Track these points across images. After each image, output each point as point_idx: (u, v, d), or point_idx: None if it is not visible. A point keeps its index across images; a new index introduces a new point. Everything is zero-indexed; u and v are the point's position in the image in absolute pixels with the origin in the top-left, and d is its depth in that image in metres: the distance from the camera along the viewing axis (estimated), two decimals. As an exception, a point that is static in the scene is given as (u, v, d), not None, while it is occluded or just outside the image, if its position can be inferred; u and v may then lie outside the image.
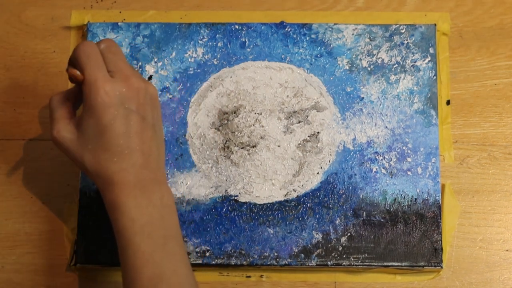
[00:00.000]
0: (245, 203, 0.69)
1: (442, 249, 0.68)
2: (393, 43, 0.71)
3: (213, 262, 0.68)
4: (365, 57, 0.71)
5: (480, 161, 0.71)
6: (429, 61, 0.71)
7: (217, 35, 0.72)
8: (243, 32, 0.72)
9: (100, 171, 0.59)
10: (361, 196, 0.69)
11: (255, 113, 0.71)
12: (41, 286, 0.70)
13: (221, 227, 0.68)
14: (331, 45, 0.72)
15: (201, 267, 0.68)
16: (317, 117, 0.70)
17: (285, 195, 0.69)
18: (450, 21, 0.73)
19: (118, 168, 0.58)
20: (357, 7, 0.74)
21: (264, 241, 0.68)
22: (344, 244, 0.68)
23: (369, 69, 0.71)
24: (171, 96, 0.71)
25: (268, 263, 0.68)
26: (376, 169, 0.69)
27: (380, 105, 0.70)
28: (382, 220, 0.68)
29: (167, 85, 0.71)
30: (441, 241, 0.68)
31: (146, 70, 0.71)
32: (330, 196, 0.69)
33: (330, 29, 0.72)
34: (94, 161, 0.59)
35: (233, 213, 0.69)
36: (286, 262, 0.68)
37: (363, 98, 0.71)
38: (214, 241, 0.68)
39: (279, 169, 0.70)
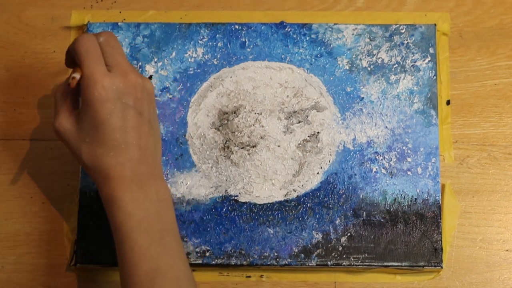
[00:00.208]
0: (245, 203, 0.69)
1: (442, 249, 0.68)
2: (393, 43, 0.71)
3: (213, 262, 0.68)
4: (365, 57, 0.71)
5: (480, 161, 0.71)
6: (429, 61, 0.71)
7: (217, 35, 0.72)
8: (243, 32, 0.72)
9: (96, 165, 0.59)
10: (361, 196, 0.69)
11: (255, 113, 0.71)
12: (41, 286, 0.70)
13: (221, 227, 0.68)
14: (331, 45, 0.72)
15: (201, 267, 0.68)
16: (317, 117, 0.70)
17: (285, 195, 0.69)
18: (450, 21, 0.73)
19: (114, 163, 0.59)
20: (357, 7, 0.74)
21: (264, 241, 0.68)
22: (344, 244, 0.68)
23: (369, 69, 0.71)
24: (171, 96, 0.71)
25: (268, 263, 0.68)
26: (376, 169, 0.69)
27: (380, 105, 0.70)
28: (382, 220, 0.68)
29: (167, 85, 0.71)
30: (441, 241, 0.68)
31: (146, 70, 0.71)
32: (330, 196, 0.69)
33: (330, 29, 0.72)
34: (90, 154, 0.59)
35: (233, 213, 0.69)
36: (286, 262, 0.68)
37: (363, 98, 0.71)
38: (214, 241, 0.68)
39: (279, 169, 0.70)
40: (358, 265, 0.68)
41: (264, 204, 0.69)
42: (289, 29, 0.72)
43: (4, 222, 0.70)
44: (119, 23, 0.72)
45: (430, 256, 0.67)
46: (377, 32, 0.72)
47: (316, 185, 0.69)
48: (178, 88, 0.71)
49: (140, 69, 0.71)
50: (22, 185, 0.71)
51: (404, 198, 0.69)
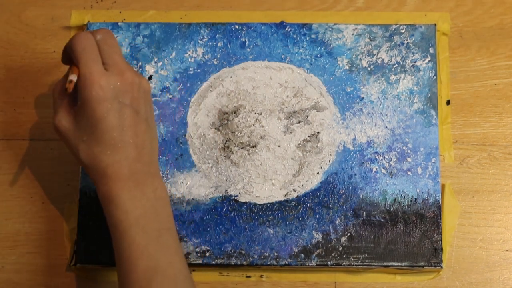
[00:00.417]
0: (245, 203, 0.69)
1: (442, 249, 0.68)
2: (393, 43, 0.71)
3: (213, 262, 0.68)
4: (365, 57, 0.71)
5: (480, 161, 0.71)
6: (429, 61, 0.71)
7: (217, 35, 0.72)
8: (243, 32, 0.72)
9: (93, 163, 0.59)
10: (361, 196, 0.69)
11: (255, 113, 0.71)
12: (41, 286, 0.70)
13: (221, 227, 0.68)
14: (331, 45, 0.72)
15: (201, 267, 0.68)
16: (317, 117, 0.70)
17: (285, 195, 0.69)
18: (450, 21, 0.73)
19: (111, 161, 0.59)
20: (357, 7, 0.74)
21: (264, 241, 0.68)
22: (344, 244, 0.68)
23: (369, 69, 0.71)
24: (171, 96, 0.71)
25: (268, 263, 0.68)
26: (376, 169, 0.69)
27: (380, 105, 0.70)
28: (382, 220, 0.68)
29: (167, 85, 0.71)
30: (441, 241, 0.68)
31: (146, 70, 0.71)
32: (330, 196, 0.69)
33: (330, 29, 0.72)
34: (88, 153, 0.59)
35: (233, 213, 0.69)
36: (286, 262, 0.68)
37: (363, 98, 0.71)
38: (214, 241, 0.68)
39: (279, 169, 0.70)
40: (358, 265, 0.68)
41: (264, 204, 0.69)
42: (289, 29, 0.72)
43: (4, 222, 0.70)
44: (119, 23, 0.72)
45: (430, 256, 0.67)
46: (377, 32, 0.72)
47: (316, 185, 0.69)
48: (178, 88, 0.71)
49: (140, 69, 0.71)
50: (22, 185, 0.71)
51: (404, 198, 0.69)
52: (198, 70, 0.71)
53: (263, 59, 0.72)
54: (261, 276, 0.69)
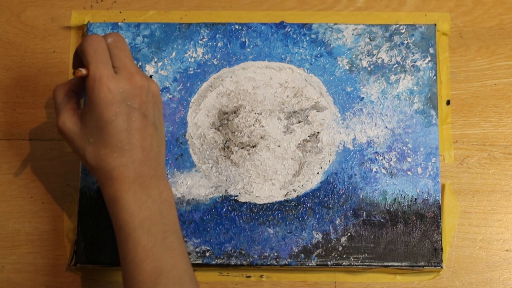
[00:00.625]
0: (245, 203, 0.69)
1: (442, 249, 0.68)
2: (393, 43, 0.71)
3: (213, 262, 0.68)
4: (365, 57, 0.71)
5: (480, 161, 0.71)
6: (429, 61, 0.71)
7: (217, 35, 0.72)
8: (243, 32, 0.72)
9: (100, 165, 0.59)
10: (361, 196, 0.69)
11: (255, 113, 0.71)
12: (41, 286, 0.70)
13: (221, 227, 0.68)
14: (331, 45, 0.72)
15: (201, 267, 0.68)
16: (317, 117, 0.70)
17: (285, 195, 0.69)
18: (450, 21, 0.73)
19: (118, 164, 0.59)
20: (357, 7, 0.74)
21: (264, 241, 0.68)
22: (344, 244, 0.68)
23: (369, 69, 0.71)
24: (171, 96, 0.71)
25: (268, 263, 0.68)
26: (376, 169, 0.69)
27: (380, 105, 0.70)
28: (382, 220, 0.68)
29: (167, 85, 0.71)
30: (441, 241, 0.68)
31: (146, 70, 0.71)
32: (330, 196, 0.69)
33: (330, 29, 0.72)
34: (94, 155, 0.59)
35: (233, 213, 0.69)
36: (286, 262, 0.68)
37: (363, 98, 0.71)
38: (214, 241, 0.68)
39: (279, 169, 0.70)
40: (358, 265, 0.68)
41: (264, 204, 0.69)
42: (289, 29, 0.72)
43: (4, 222, 0.71)
44: (119, 23, 0.72)
45: (430, 256, 0.67)
46: (377, 32, 0.72)
47: (316, 185, 0.69)
48: (178, 88, 0.71)
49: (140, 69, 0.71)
50: (22, 185, 0.71)
51: (404, 198, 0.69)
52: (198, 70, 0.71)
53: (263, 59, 0.72)
54: (261, 276, 0.69)
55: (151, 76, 0.71)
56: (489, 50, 0.73)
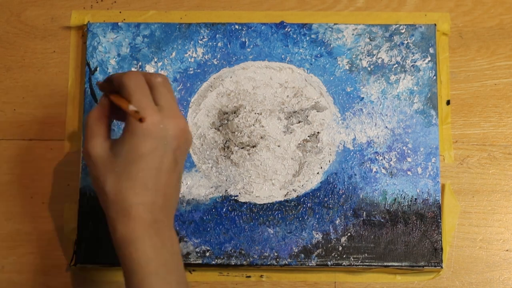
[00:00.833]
0: (245, 203, 0.69)
1: (442, 249, 0.68)
2: (393, 43, 0.71)
3: (213, 262, 0.68)
4: (365, 57, 0.71)
5: (480, 161, 0.71)
6: (429, 61, 0.71)
7: (217, 35, 0.72)
8: (243, 32, 0.72)
9: (118, 198, 0.57)
10: (361, 196, 0.69)
11: (255, 113, 0.71)
12: (41, 286, 0.70)
13: (221, 227, 0.68)
14: (331, 45, 0.72)
15: (201, 267, 0.68)
16: (317, 117, 0.70)
17: (285, 195, 0.69)
18: (450, 21, 0.73)
19: (138, 201, 0.56)
20: (357, 7, 0.74)
21: (264, 241, 0.68)
22: (344, 244, 0.68)
23: (369, 69, 0.71)
24: (171, 96, 0.71)
25: (268, 263, 0.68)
26: (376, 169, 0.69)
27: (380, 105, 0.70)
28: (382, 220, 0.68)
29: (167, 85, 0.71)
30: (441, 241, 0.68)
31: (146, 70, 0.71)
32: (330, 196, 0.69)
33: (330, 29, 0.72)
34: (116, 186, 0.57)
35: (233, 213, 0.69)
36: (286, 262, 0.68)
37: (363, 98, 0.71)
38: (214, 241, 0.68)
39: (279, 169, 0.70)
40: (358, 265, 0.68)
41: (264, 204, 0.69)
42: (289, 29, 0.72)
43: (4, 222, 0.71)
44: (119, 23, 0.72)
45: (430, 256, 0.67)
46: (377, 32, 0.72)
47: (316, 185, 0.69)
48: (178, 88, 0.71)
49: (140, 69, 0.71)
50: (22, 185, 0.71)
51: (404, 198, 0.69)
52: (198, 70, 0.71)
53: (263, 59, 0.72)
54: (261, 276, 0.69)
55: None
56: (489, 50, 0.73)
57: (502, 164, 0.71)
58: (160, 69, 0.71)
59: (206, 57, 0.72)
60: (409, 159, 0.69)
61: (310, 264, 0.68)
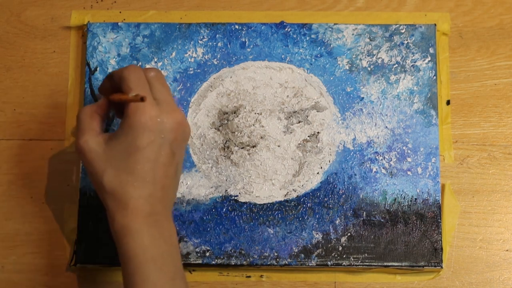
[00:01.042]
0: (245, 203, 0.69)
1: (442, 249, 0.68)
2: (393, 43, 0.71)
3: (213, 262, 0.68)
4: (365, 57, 0.71)
5: (480, 161, 0.71)
6: (429, 61, 0.71)
7: (217, 35, 0.72)
8: (243, 32, 0.72)
9: (117, 191, 0.58)
10: (361, 196, 0.69)
11: (255, 113, 0.71)
12: (41, 286, 0.70)
13: (221, 227, 0.68)
14: (331, 45, 0.72)
15: (201, 267, 0.68)
16: (317, 117, 0.70)
17: (285, 195, 0.69)
18: (450, 21, 0.73)
19: (136, 194, 0.57)
20: (357, 7, 0.74)
21: (264, 241, 0.68)
22: (344, 244, 0.68)
23: (369, 69, 0.71)
24: (171, 96, 0.71)
25: (268, 263, 0.68)
26: (376, 169, 0.69)
27: (380, 105, 0.70)
28: (382, 220, 0.68)
29: (167, 85, 0.71)
30: (441, 241, 0.68)
31: (146, 70, 0.71)
32: (330, 196, 0.69)
33: (330, 29, 0.72)
34: (114, 179, 0.58)
35: (233, 213, 0.69)
36: (286, 262, 0.68)
37: (363, 98, 0.71)
38: (214, 241, 0.68)
39: (279, 169, 0.70)
40: (358, 265, 0.68)
41: (264, 204, 0.69)
42: (289, 29, 0.72)
43: (4, 222, 0.71)
44: (119, 23, 0.72)
45: (430, 256, 0.67)
46: (377, 32, 0.72)
47: (316, 185, 0.69)
48: (178, 88, 0.71)
49: (140, 69, 0.71)
50: (22, 185, 0.71)
51: (404, 198, 0.69)
52: (198, 70, 0.71)
53: (263, 59, 0.72)
54: (261, 276, 0.69)
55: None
56: (489, 50, 0.73)
57: (502, 164, 0.71)
58: (160, 69, 0.71)
59: (206, 57, 0.72)
60: (409, 159, 0.69)
61: (310, 264, 0.68)
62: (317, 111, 0.71)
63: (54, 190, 0.71)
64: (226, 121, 0.70)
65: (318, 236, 0.68)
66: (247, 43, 0.72)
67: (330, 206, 0.69)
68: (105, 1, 0.75)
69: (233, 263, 0.68)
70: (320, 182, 0.69)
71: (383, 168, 0.69)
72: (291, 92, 0.71)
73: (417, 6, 0.74)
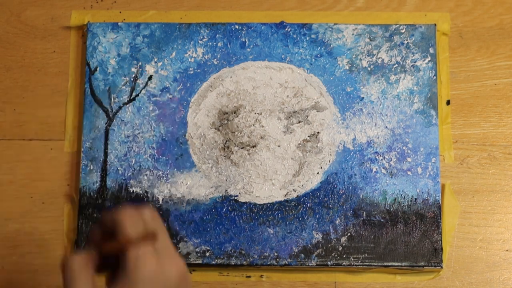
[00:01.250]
0: (245, 203, 0.69)
1: (442, 249, 0.68)
2: (393, 43, 0.71)
3: (213, 262, 0.68)
4: (365, 57, 0.71)
5: (480, 161, 0.71)
6: (429, 61, 0.71)
7: (217, 35, 0.72)
8: (243, 32, 0.72)
9: None
10: (361, 196, 0.69)
11: (255, 113, 0.71)
12: (41, 286, 0.69)
13: (221, 227, 0.68)
14: (331, 45, 0.72)
15: (201, 267, 0.68)
16: (317, 117, 0.70)
17: (285, 195, 0.69)
18: (450, 21, 0.73)
19: None
20: (357, 7, 0.74)
21: (264, 241, 0.68)
22: (344, 244, 0.68)
23: (369, 69, 0.71)
24: (171, 96, 0.71)
25: (268, 263, 0.68)
26: (376, 169, 0.69)
27: (380, 105, 0.70)
28: (382, 220, 0.68)
29: (167, 85, 0.71)
30: (441, 241, 0.68)
31: (146, 70, 0.71)
32: (330, 196, 0.69)
33: (330, 29, 0.72)
34: None
35: (233, 213, 0.69)
36: (286, 262, 0.68)
37: (363, 98, 0.71)
38: (214, 241, 0.68)
39: (279, 169, 0.69)
40: (358, 265, 0.68)
41: (264, 204, 0.69)
42: (289, 29, 0.72)
43: (4, 222, 0.70)
44: (119, 23, 0.72)
45: (430, 256, 0.67)
46: (377, 32, 0.72)
47: (316, 185, 0.69)
48: (178, 88, 0.71)
49: (140, 69, 0.71)
50: (22, 185, 0.71)
51: (404, 198, 0.69)
52: (198, 70, 0.71)
53: (263, 59, 0.72)
54: (261, 276, 0.69)
55: (151, 77, 0.71)
56: (489, 50, 0.73)
57: (502, 164, 0.71)
58: (160, 69, 0.71)
59: (206, 57, 0.72)
60: (409, 159, 0.69)
61: (310, 264, 0.68)
62: (317, 111, 0.71)
63: (54, 190, 0.71)
64: (226, 121, 0.70)
65: (318, 236, 0.68)
66: (247, 43, 0.72)
67: (330, 206, 0.69)
68: (105, 1, 0.75)
69: (233, 263, 0.68)
70: (320, 182, 0.69)
71: (383, 168, 0.69)
72: (291, 92, 0.71)
73: (417, 6, 0.74)
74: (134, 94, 0.71)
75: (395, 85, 0.71)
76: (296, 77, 0.71)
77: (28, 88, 0.73)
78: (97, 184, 0.69)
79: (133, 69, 0.71)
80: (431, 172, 0.69)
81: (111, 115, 0.70)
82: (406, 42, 0.71)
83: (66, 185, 0.71)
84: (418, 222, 0.68)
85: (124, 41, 0.72)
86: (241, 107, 0.71)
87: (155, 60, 0.72)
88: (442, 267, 0.68)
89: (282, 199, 0.69)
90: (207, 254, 0.68)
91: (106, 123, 0.70)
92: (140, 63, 0.71)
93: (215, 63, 0.71)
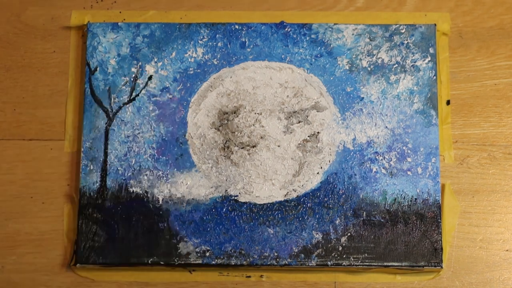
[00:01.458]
0: (245, 203, 0.69)
1: (442, 249, 0.68)
2: (393, 43, 0.71)
3: (213, 262, 0.68)
4: (365, 57, 0.71)
5: (480, 161, 0.71)
6: (429, 61, 0.71)
7: (217, 35, 0.72)
8: (243, 32, 0.72)
9: None
10: (361, 196, 0.69)
11: (255, 113, 0.71)
12: (41, 286, 0.70)
13: (221, 227, 0.68)
14: (331, 45, 0.72)
15: (201, 267, 0.68)
16: (317, 117, 0.70)
17: (285, 195, 0.69)
18: (450, 21, 0.73)
19: None
20: (357, 7, 0.74)
21: (264, 241, 0.68)
22: (344, 244, 0.68)
23: (369, 69, 0.71)
24: (171, 96, 0.71)
25: (268, 263, 0.68)
26: (376, 169, 0.69)
27: (380, 105, 0.70)
28: (382, 220, 0.68)
29: (167, 85, 0.71)
30: (441, 241, 0.68)
31: (146, 70, 0.71)
32: (330, 196, 0.69)
33: (330, 29, 0.72)
34: None
35: (233, 213, 0.69)
36: (286, 262, 0.68)
37: (363, 98, 0.71)
38: (214, 241, 0.68)
39: (279, 169, 0.70)
40: (358, 265, 0.68)
41: (264, 204, 0.69)
42: (289, 29, 0.72)
43: (4, 222, 0.71)
44: (119, 23, 0.72)
45: (430, 256, 0.67)
46: (377, 32, 0.72)
47: (316, 185, 0.69)
48: (178, 88, 0.71)
49: (140, 69, 0.71)
50: (22, 185, 0.71)
51: (404, 198, 0.69)
52: (198, 70, 0.71)
53: (263, 59, 0.72)
54: (261, 276, 0.69)
55: (151, 77, 0.71)
56: (489, 50, 0.73)
57: (502, 164, 0.71)
58: (160, 69, 0.71)
59: (206, 57, 0.72)
60: (409, 159, 0.69)
61: (310, 264, 0.68)
62: (317, 111, 0.71)
63: (54, 190, 0.71)
64: (226, 121, 0.70)
65: (318, 236, 0.68)
66: (247, 43, 0.72)
67: (330, 206, 0.69)
68: (105, 1, 0.75)
69: (233, 263, 0.68)
70: (320, 182, 0.69)
71: (383, 168, 0.69)
72: (291, 92, 0.71)
73: (417, 6, 0.74)
74: (134, 94, 0.71)
75: (395, 85, 0.71)
76: (296, 77, 0.71)
77: (28, 88, 0.73)
78: (97, 184, 0.69)
79: (133, 69, 0.71)
80: (431, 172, 0.69)
81: (111, 115, 0.70)
82: (406, 42, 0.71)
83: (66, 185, 0.71)
84: (418, 222, 0.68)
85: (124, 41, 0.72)
86: (241, 107, 0.71)
87: (155, 60, 0.72)
88: (442, 267, 0.68)
89: (282, 199, 0.69)
90: (207, 254, 0.68)
91: (106, 123, 0.70)
92: (140, 63, 0.71)
93: (215, 63, 0.72)
